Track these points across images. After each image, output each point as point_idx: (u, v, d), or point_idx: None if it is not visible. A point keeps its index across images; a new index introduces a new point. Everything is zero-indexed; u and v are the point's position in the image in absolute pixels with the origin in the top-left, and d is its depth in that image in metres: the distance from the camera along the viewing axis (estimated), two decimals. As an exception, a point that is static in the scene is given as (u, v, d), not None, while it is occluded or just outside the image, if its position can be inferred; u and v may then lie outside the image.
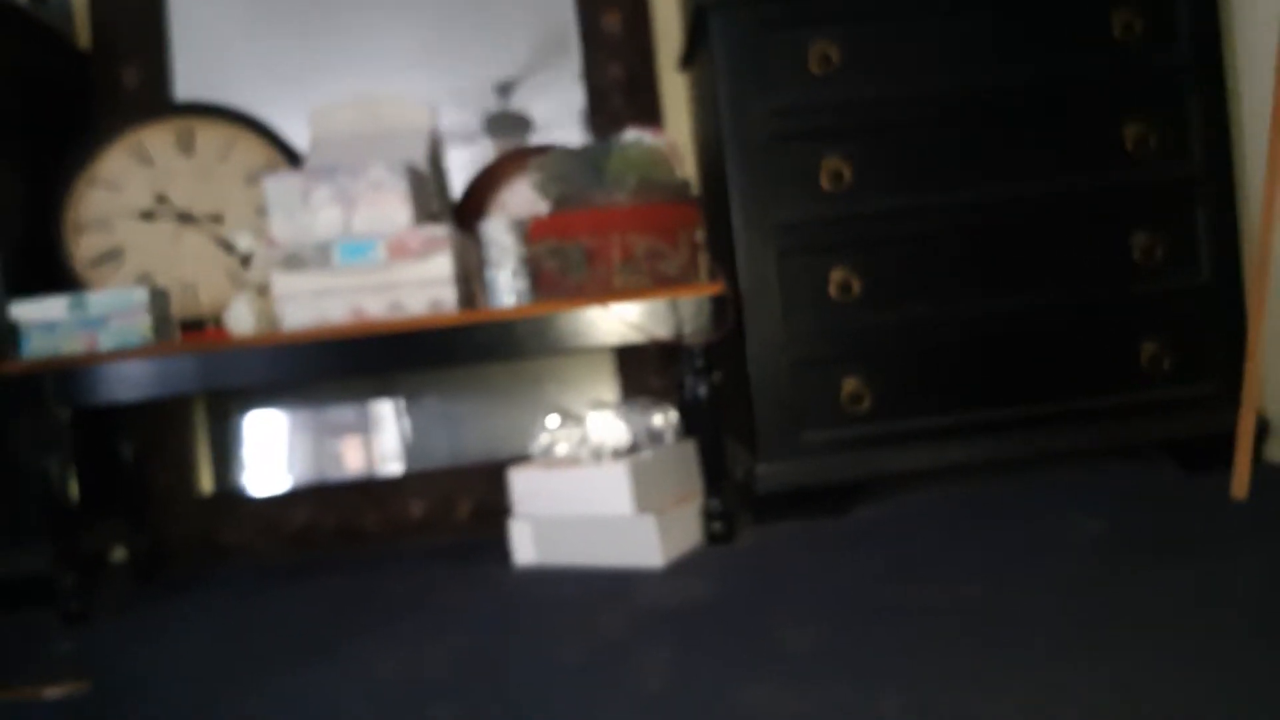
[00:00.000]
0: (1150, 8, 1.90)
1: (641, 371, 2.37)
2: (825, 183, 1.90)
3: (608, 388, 2.39)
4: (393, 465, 2.39)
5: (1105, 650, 1.13)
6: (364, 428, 2.41)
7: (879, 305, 1.91)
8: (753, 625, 1.37)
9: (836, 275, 1.90)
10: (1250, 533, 1.51)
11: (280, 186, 1.89)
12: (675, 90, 2.46)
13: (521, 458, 2.02)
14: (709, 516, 1.86)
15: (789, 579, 1.58)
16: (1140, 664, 1.09)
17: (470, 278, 1.96)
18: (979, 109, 1.91)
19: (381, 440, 2.41)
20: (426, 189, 2.00)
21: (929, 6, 1.90)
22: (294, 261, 1.85)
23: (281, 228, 1.88)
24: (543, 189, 1.94)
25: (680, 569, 1.71)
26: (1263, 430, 1.88)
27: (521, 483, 1.89)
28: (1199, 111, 1.91)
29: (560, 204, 1.91)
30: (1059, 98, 1.91)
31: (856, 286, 1.90)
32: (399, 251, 1.84)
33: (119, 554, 2.27)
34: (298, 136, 2.21)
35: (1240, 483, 1.71)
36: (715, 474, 1.87)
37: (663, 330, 1.84)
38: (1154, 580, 1.34)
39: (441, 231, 1.86)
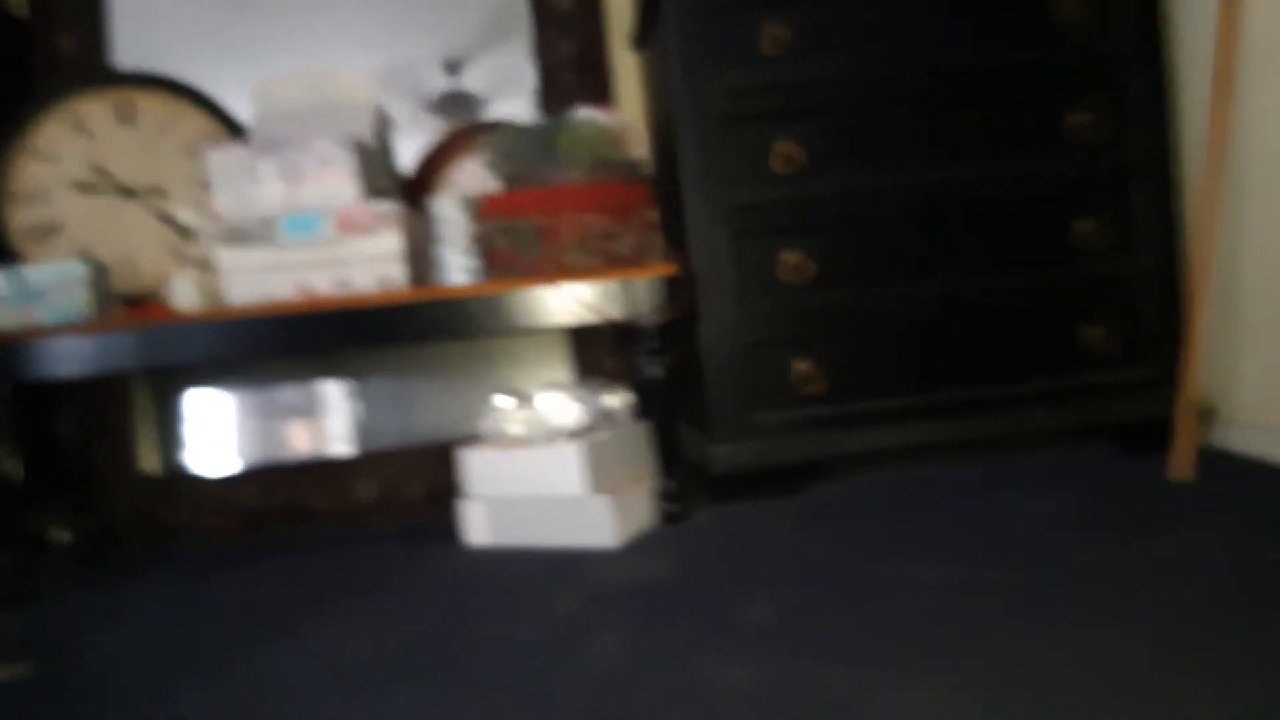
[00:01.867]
0: (1094, -5, 1.92)
1: (595, 353, 2.37)
2: (777, 165, 1.90)
3: (561, 368, 2.38)
4: (342, 446, 2.36)
5: (1058, 625, 1.16)
6: (313, 408, 2.38)
7: (830, 287, 1.92)
8: (708, 603, 1.38)
9: (788, 257, 1.91)
10: (1192, 512, 1.55)
11: (224, 160, 1.85)
12: (627, 70, 2.45)
13: (473, 438, 2.00)
14: (663, 497, 1.86)
15: (743, 558, 1.59)
16: (1090, 636, 1.11)
17: (420, 255, 1.94)
18: (924, 93, 1.92)
19: (331, 421, 2.38)
20: (374, 164, 1.97)
21: (881, -10, 1.91)
22: (238, 236, 1.82)
23: (225, 202, 1.84)
24: (494, 167, 1.93)
25: (634, 549, 1.72)
26: (1202, 414, 1.92)
27: (473, 463, 1.88)
28: (1139, 99, 1.94)
29: (511, 182, 1.90)
30: (1001, 84, 1.93)
31: (808, 268, 1.91)
32: (347, 227, 1.82)
33: (62, 535, 2.22)
34: (242, 111, 2.16)
35: (1179, 464, 1.75)
36: (669, 455, 1.87)
37: (616, 310, 1.84)
38: (1100, 557, 1.38)
39: (390, 207, 1.83)
